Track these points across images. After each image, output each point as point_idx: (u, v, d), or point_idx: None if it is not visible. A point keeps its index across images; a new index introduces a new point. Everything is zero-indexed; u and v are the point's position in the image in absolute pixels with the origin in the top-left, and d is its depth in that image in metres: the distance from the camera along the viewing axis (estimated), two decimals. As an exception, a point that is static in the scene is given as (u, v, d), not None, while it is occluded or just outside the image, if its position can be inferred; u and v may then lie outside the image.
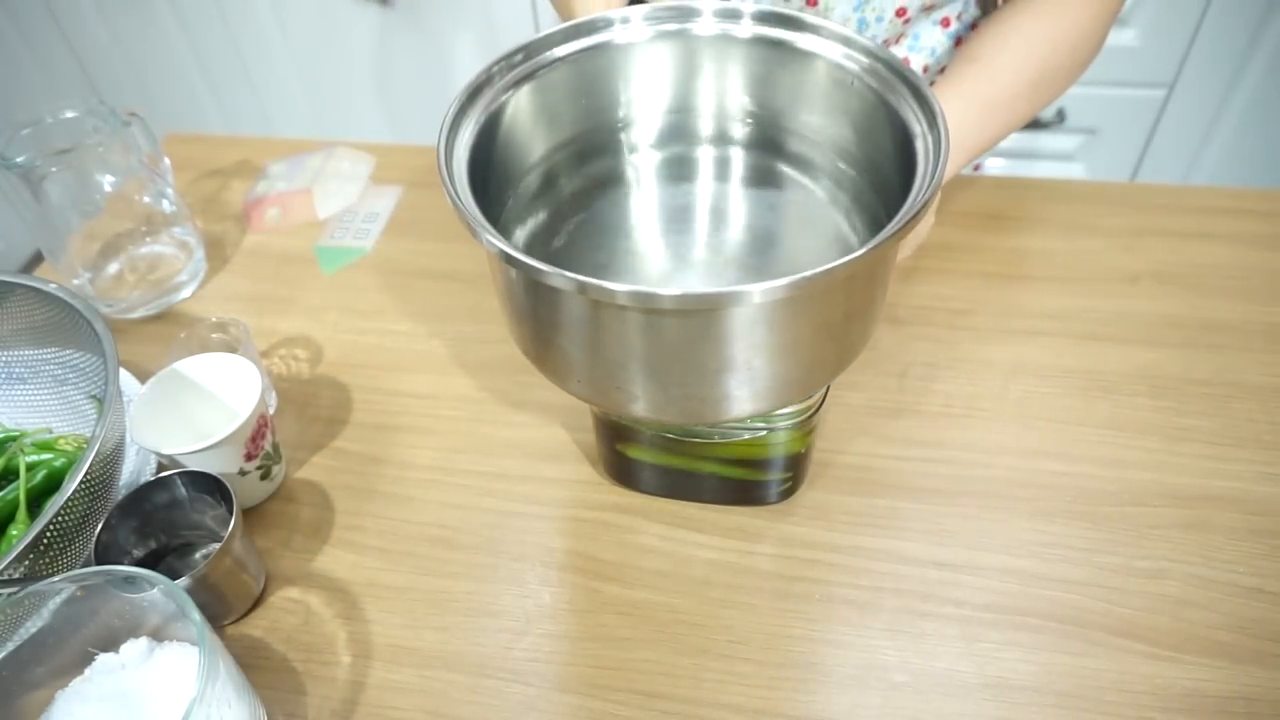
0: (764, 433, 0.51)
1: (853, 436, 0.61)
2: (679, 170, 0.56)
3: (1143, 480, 0.57)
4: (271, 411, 0.65)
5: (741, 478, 0.56)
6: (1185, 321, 0.66)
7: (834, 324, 0.42)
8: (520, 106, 0.49)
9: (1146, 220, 0.74)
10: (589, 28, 0.50)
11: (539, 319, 0.43)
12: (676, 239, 0.54)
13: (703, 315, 0.38)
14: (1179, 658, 0.49)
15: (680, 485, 0.57)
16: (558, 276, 0.37)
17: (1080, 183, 0.79)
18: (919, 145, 0.42)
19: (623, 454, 0.56)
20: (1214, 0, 1.17)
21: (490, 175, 0.48)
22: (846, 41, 0.47)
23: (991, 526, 0.55)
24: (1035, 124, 1.31)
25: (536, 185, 0.53)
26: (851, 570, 0.54)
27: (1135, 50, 1.23)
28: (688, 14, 0.50)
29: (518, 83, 0.49)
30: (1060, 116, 1.31)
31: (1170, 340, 0.65)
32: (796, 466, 0.56)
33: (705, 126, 0.55)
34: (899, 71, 0.45)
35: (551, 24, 0.74)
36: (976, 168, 0.90)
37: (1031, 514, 0.56)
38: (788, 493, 0.57)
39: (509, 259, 0.38)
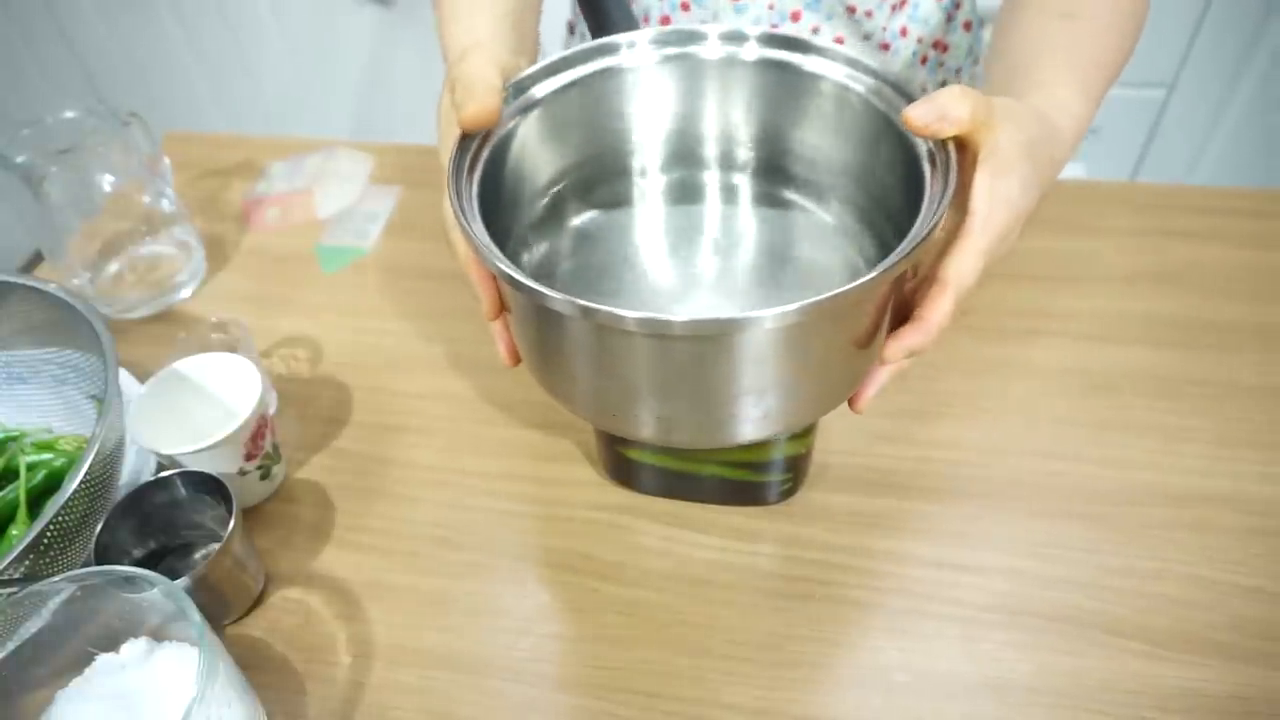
0: (764, 433, 0.51)
1: (853, 436, 0.61)
2: (687, 195, 0.56)
3: (1142, 480, 0.57)
4: (271, 411, 0.65)
5: (742, 478, 0.56)
6: (1185, 321, 0.66)
7: (846, 346, 0.42)
8: (528, 132, 0.49)
9: (1146, 220, 0.74)
10: (596, 53, 0.50)
11: (550, 345, 0.43)
12: (686, 264, 0.54)
13: (714, 341, 0.38)
14: (1178, 657, 0.49)
15: (680, 485, 0.57)
16: (570, 304, 0.37)
17: (1080, 182, 0.79)
18: (926, 167, 0.42)
19: (623, 454, 0.56)
20: (1214, 0, 1.17)
21: (499, 201, 0.48)
22: (852, 63, 0.47)
23: (991, 526, 0.55)
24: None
25: (544, 210, 0.53)
26: (851, 570, 0.54)
27: (1135, 50, 1.23)
28: (693, 38, 0.50)
29: (526, 109, 0.49)
30: (1060, 116, 1.31)
31: (1170, 340, 0.65)
32: (797, 467, 0.56)
33: (713, 150, 0.55)
34: (906, 92, 0.45)
35: (552, 37, 0.75)
36: None
37: (1031, 514, 0.56)
38: (788, 493, 0.57)
39: (525, 289, 0.38)
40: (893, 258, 0.37)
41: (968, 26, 0.79)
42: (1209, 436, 0.59)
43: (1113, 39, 0.55)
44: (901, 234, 0.39)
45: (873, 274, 0.36)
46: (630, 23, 0.55)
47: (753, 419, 0.42)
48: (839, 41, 0.71)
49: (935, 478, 0.58)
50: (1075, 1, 0.55)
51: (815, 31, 0.72)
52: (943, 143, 0.42)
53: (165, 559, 0.55)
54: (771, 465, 0.54)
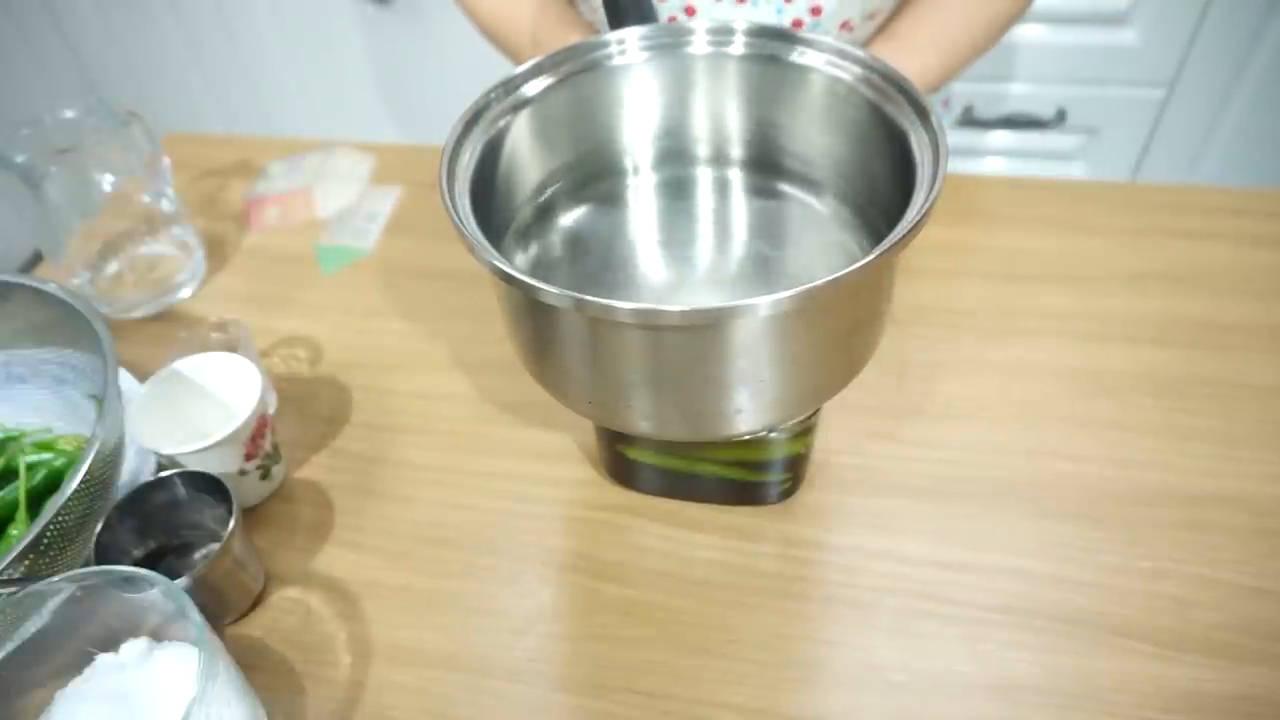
0: (763, 434, 0.51)
1: (853, 436, 0.60)
2: (679, 189, 0.56)
3: (1145, 480, 0.57)
4: (271, 411, 0.65)
5: (741, 478, 0.55)
6: (1188, 321, 0.66)
7: (841, 334, 0.42)
8: (520, 131, 0.50)
9: (1147, 220, 0.74)
10: (586, 50, 0.51)
11: (547, 341, 0.43)
12: (680, 258, 0.54)
13: (710, 331, 0.38)
14: (1181, 657, 0.49)
15: (680, 485, 0.57)
16: (565, 298, 0.37)
17: (1080, 182, 0.79)
18: (917, 153, 0.42)
19: (623, 454, 0.56)
20: (1214, 0, 1.17)
21: (491, 199, 0.48)
22: (840, 53, 0.48)
23: (992, 526, 0.55)
24: (1035, 124, 1.31)
25: (537, 208, 0.53)
26: (851, 570, 0.54)
27: (1135, 50, 1.23)
28: (682, 34, 0.51)
29: (516, 107, 0.49)
30: (1060, 116, 1.31)
31: (1173, 340, 0.65)
32: (796, 467, 0.56)
33: (704, 145, 0.55)
34: (894, 80, 0.45)
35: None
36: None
37: (1033, 514, 0.56)
38: (787, 493, 0.57)
39: (519, 283, 0.38)
40: (886, 244, 0.37)
41: None
42: (1212, 436, 0.59)
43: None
44: (893, 221, 0.39)
45: (866, 260, 0.36)
46: (646, 16, 0.55)
47: (750, 409, 0.42)
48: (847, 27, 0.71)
49: (935, 478, 0.58)
50: None
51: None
52: (932, 129, 0.42)
53: (165, 559, 0.55)
54: (771, 465, 0.54)
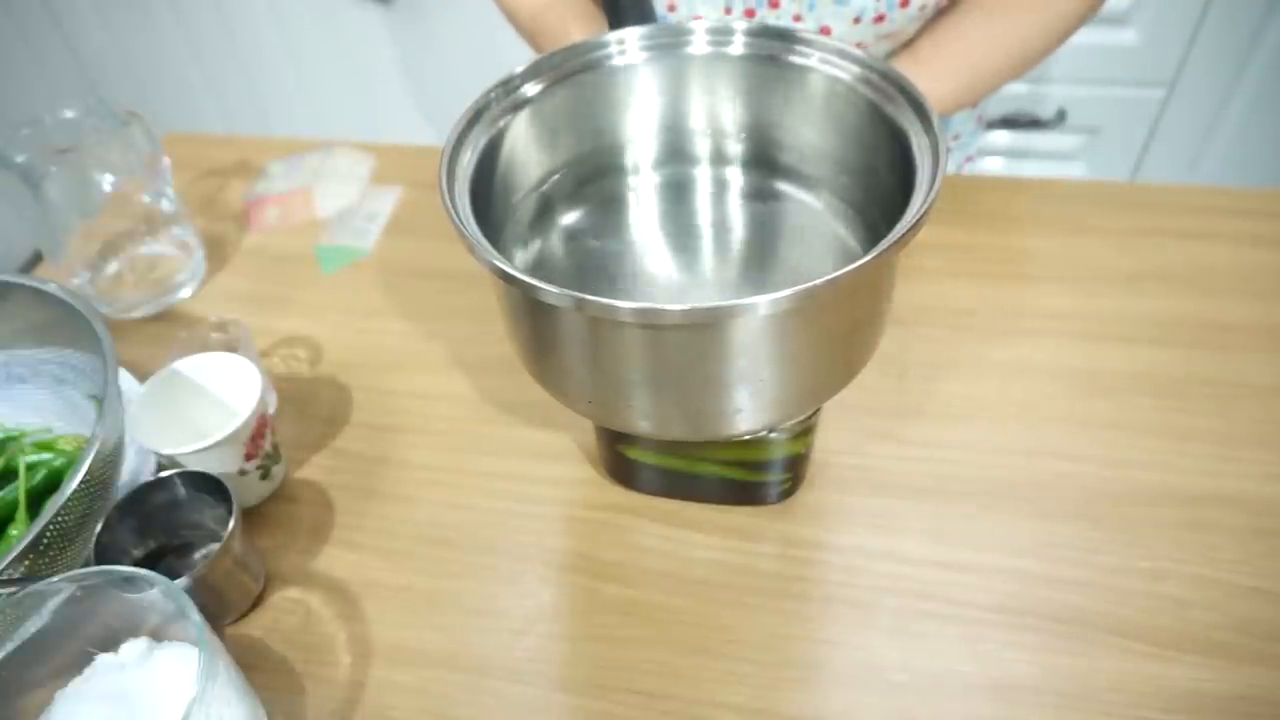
0: (763, 434, 0.51)
1: (853, 436, 0.60)
2: (679, 189, 0.56)
3: (1144, 480, 0.57)
4: (271, 411, 0.65)
5: (741, 478, 0.55)
6: (1187, 321, 0.66)
7: (841, 333, 0.42)
8: (520, 130, 0.50)
9: (1147, 220, 0.74)
10: (585, 50, 0.51)
11: (546, 340, 0.43)
12: (680, 257, 0.54)
13: (710, 330, 0.38)
14: (1180, 658, 0.49)
15: (680, 485, 0.57)
16: (565, 297, 0.37)
17: (1080, 182, 0.79)
18: (917, 152, 0.42)
19: (623, 454, 0.56)
20: (1214, 0, 1.17)
21: (491, 198, 0.48)
22: (839, 53, 0.48)
23: (992, 526, 0.55)
24: (1035, 124, 1.31)
25: (537, 207, 0.53)
26: (851, 570, 0.54)
27: (1135, 50, 1.23)
28: (682, 34, 0.51)
29: (517, 107, 0.49)
30: (1060, 116, 1.31)
31: (1172, 340, 0.65)
32: (796, 467, 0.56)
33: (703, 145, 0.55)
34: (894, 80, 0.45)
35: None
36: (970, 158, 0.90)
37: (1032, 514, 0.56)
38: (787, 493, 0.57)
39: (519, 283, 0.38)
40: (885, 243, 0.37)
41: None
42: (1211, 437, 0.59)
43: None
44: (892, 220, 0.39)
45: (865, 259, 0.36)
46: (646, 16, 0.55)
47: (750, 409, 0.42)
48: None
49: (935, 478, 0.58)
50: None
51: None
52: (932, 129, 0.42)
53: (165, 559, 0.55)
54: (771, 465, 0.54)
